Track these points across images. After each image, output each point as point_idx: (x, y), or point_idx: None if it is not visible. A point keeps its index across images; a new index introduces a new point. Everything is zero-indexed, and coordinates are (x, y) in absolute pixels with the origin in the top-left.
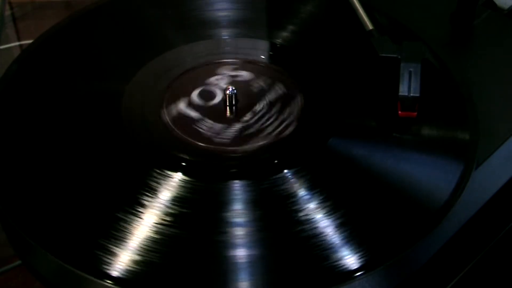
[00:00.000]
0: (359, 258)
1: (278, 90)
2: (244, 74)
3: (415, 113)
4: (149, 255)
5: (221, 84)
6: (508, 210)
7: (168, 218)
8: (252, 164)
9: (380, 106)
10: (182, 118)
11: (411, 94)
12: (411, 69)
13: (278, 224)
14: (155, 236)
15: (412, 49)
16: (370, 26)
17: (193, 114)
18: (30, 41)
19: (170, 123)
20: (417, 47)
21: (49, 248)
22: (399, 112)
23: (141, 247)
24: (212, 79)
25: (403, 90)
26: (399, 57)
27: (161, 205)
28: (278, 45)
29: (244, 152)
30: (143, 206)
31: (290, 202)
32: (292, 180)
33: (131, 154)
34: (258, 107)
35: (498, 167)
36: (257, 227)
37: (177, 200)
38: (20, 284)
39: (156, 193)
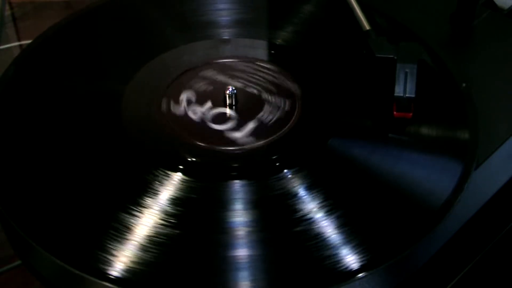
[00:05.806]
0: (359, 258)
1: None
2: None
3: (411, 114)
4: (149, 255)
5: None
6: (508, 210)
7: (168, 218)
8: (252, 164)
9: (380, 107)
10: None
11: (407, 95)
12: (407, 70)
13: (278, 224)
14: (155, 236)
15: (409, 50)
16: (367, 26)
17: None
18: (30, 41)
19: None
20: (414, 48)
21: (49, 248)
22: (394, 112)
23: (141, 247)
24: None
25: (398, 91)
26: (395, 57)
27: (161, 205)
28: (277, 45)
29: (244, 152)
30: (143, 206)
31: (290, 202)
32: (292, 180)
33: (131, 154)
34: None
35: (498, 167)
36: (257, 227)
37: (177, 200)
38: (20, 284)
39: (156, 193)
